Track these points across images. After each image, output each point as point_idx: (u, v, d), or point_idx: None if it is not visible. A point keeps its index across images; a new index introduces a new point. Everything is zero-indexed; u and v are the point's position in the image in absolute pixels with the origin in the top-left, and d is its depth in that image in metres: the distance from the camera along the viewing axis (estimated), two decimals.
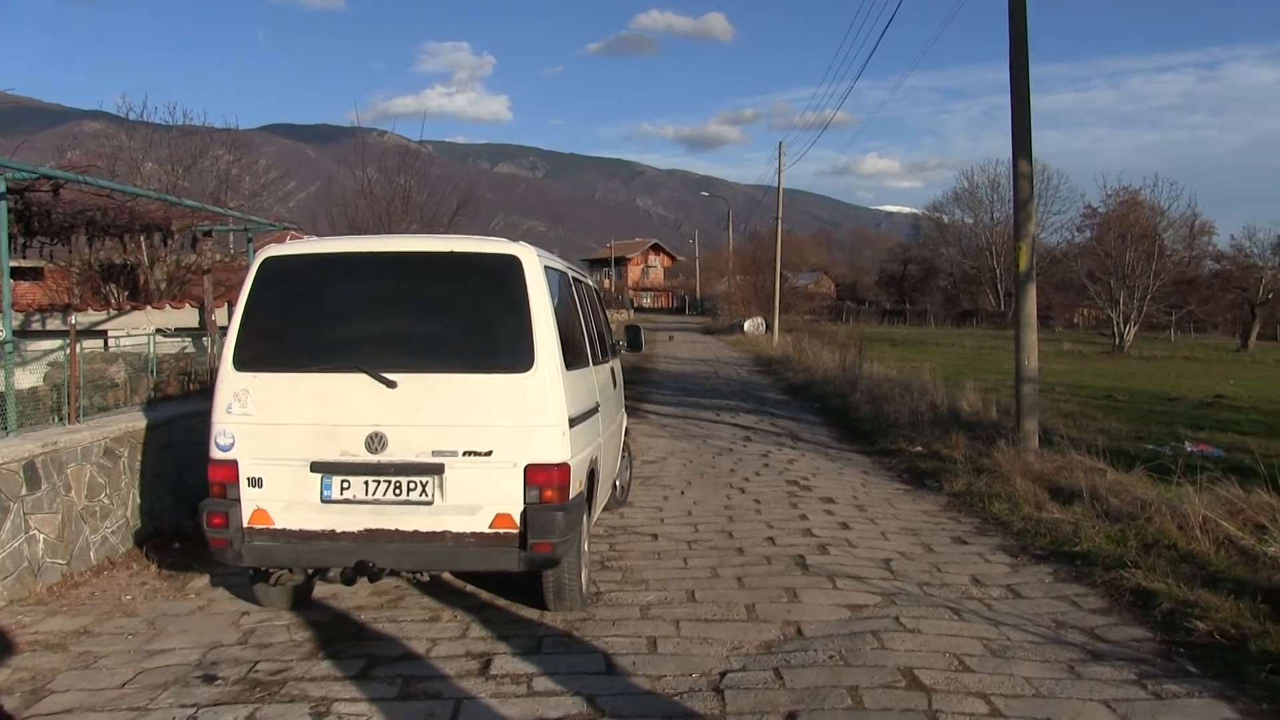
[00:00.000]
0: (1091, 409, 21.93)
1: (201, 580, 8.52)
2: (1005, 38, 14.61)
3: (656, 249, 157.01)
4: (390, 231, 30.70)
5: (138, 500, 9.47)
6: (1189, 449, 15.49)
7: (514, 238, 7.69)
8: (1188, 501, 9.63)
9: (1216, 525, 9.13)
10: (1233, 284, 75.92)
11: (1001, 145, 14.21)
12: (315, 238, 8.19)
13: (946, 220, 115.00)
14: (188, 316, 19.49)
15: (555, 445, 6.92)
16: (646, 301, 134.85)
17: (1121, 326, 63.21)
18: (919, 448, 15.72)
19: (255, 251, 8.09)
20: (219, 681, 6.23)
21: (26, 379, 11.56)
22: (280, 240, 9.92)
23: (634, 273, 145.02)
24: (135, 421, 9.63)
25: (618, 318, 62.89)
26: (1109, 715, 5.70)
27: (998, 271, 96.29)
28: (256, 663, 6.56)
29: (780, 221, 59.24)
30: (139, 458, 9.52)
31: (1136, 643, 6.97)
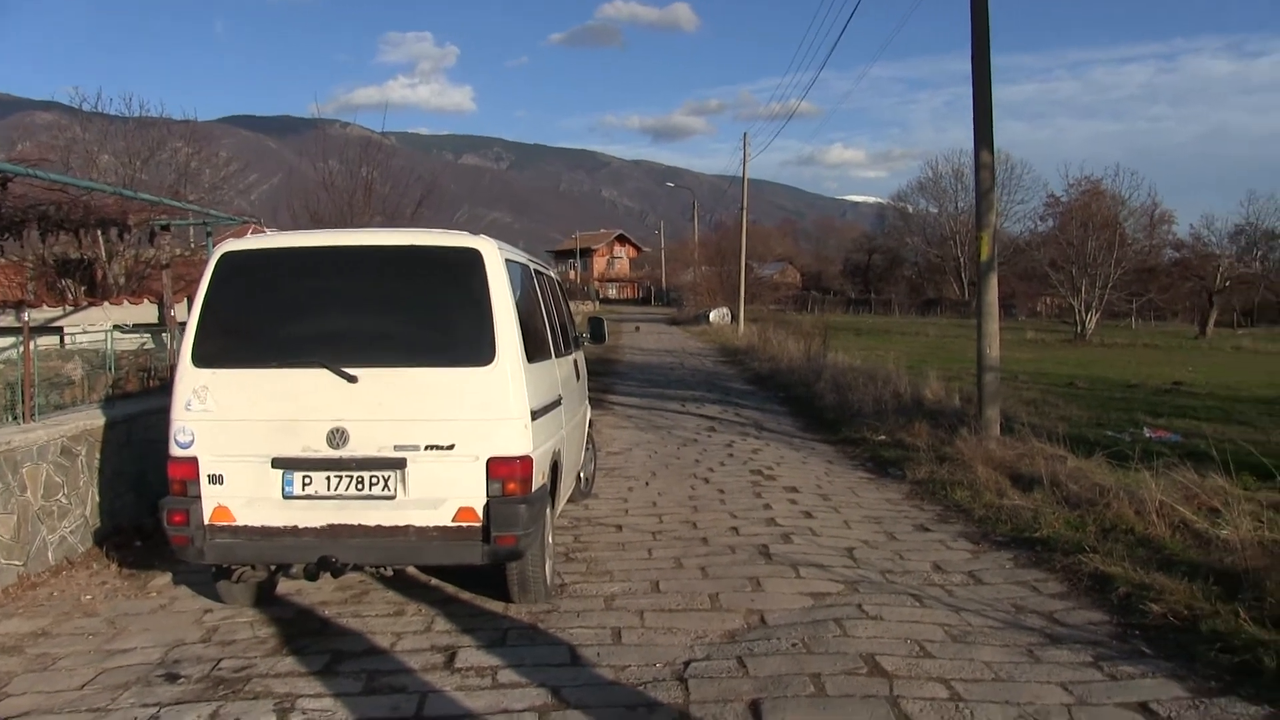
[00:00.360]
0: (1053, 396, 22.11)
1: (163, 578, 8.47)
2: (968, 28, 14.67)
3: (622, 240, 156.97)
4: (353, 224, 30.60)
5: (97, 499, 9.39)
6: (1148, 435, 15.62)
7: (479, 229, 7.70)
8: (1145, 487, 9.75)
9: (1172, 510, 9.25)
10: (1192, 272, 76.75)
11: (966, 135, 14.52)
12: (276, 231, 8.14)
13: (911, 210, 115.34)
14: (147, 312, 19.40)
15: (517, 438, 6.92)
16: (612, 292, 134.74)
17: (1083, 315, 63.70)
18: (883, 436, 15.80)
19: (214, 246, 8.04)
20: (181, 680, 6.20)
21: None
22: (241, 234, 9.88)
23: (599, 264, 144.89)
24: (93, 419, 9.55)
25: (583, 309, 62.94)
26: (1065, 697, 5.77)
27: (962, 261, 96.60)
28: (220, 660, 6.54)
29: (745, 212, 59.26)
30: (98, 456, 9.44)
31: (1093, 626, 7.06)
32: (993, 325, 14.67)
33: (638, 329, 59.86)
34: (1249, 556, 7.69)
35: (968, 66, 14.67)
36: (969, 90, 14.71)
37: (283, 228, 25.11)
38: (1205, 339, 64.17)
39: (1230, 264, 76.51)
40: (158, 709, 5.74)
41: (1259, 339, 62.89)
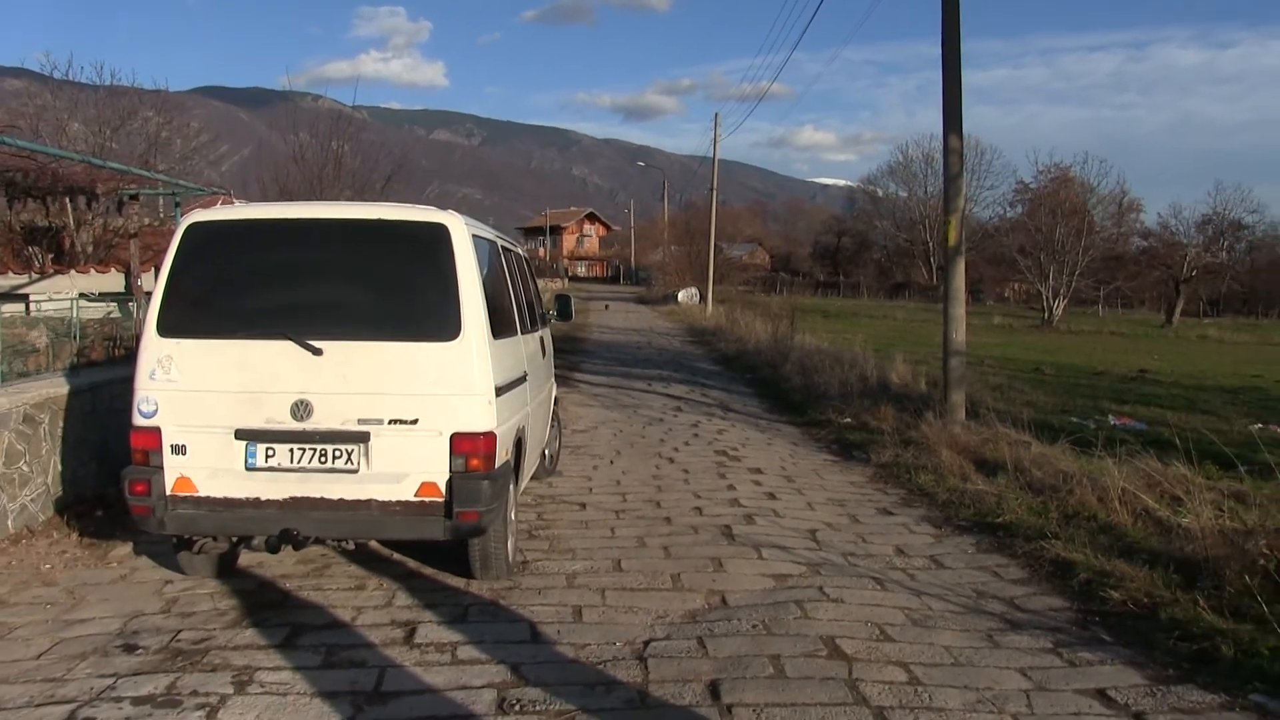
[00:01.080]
0: (1019, 382, 22.21)
1: (124, 548, 8.42)
2: (939, 13, 14.67)
3: (592, 218, 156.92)
4: (322, 197, 30.48)
5: (59, 468, 9.31)
6: (1112, 423, 15.71)
7: (449, 205, 7.66)
8: (1108, 474, 9.79)
9: (1135, 497, 9.30)
10: (1159, 261, 77.61)
11: (936, 119, 14.60)
12: (245, 203, 8.10)
13: (881, 193, 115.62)
14: (114, 281, 19.26)
15: (481, 414, 6.91)
16: (581, 271, 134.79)
17: (1051, 301, 64.34)
18: (848, 419, 15.83)
19: (183, 216, 8.01)
20: (140, 651, 6.16)
21: None
22: (210, 205, 9.81)
23: (569, 242, 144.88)
24: (57, 387, 9.48)
25: (552, 286, 62.94)
26: (1024, 682, 5.80)
27: (930, 245, 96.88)
28: (179, 632, 6.50)
29: (715, 192, 59.27)
30: (61, 424, 9.35)
31: (1054, 612, 7.10)
32: (959, 310, 14.72)
33: (607, 307, 59.94)
34: (1209, 545, 7.72)
35: (939, 51, 14.68)
36: (940, 75, 14.72)
37: (252, 200, 24.97)
38: (1172, 327, 64.86)
39: (1197, 253, 77.41)
40: (115, 679, 5.70)
41: (1225, 328, 63.72)
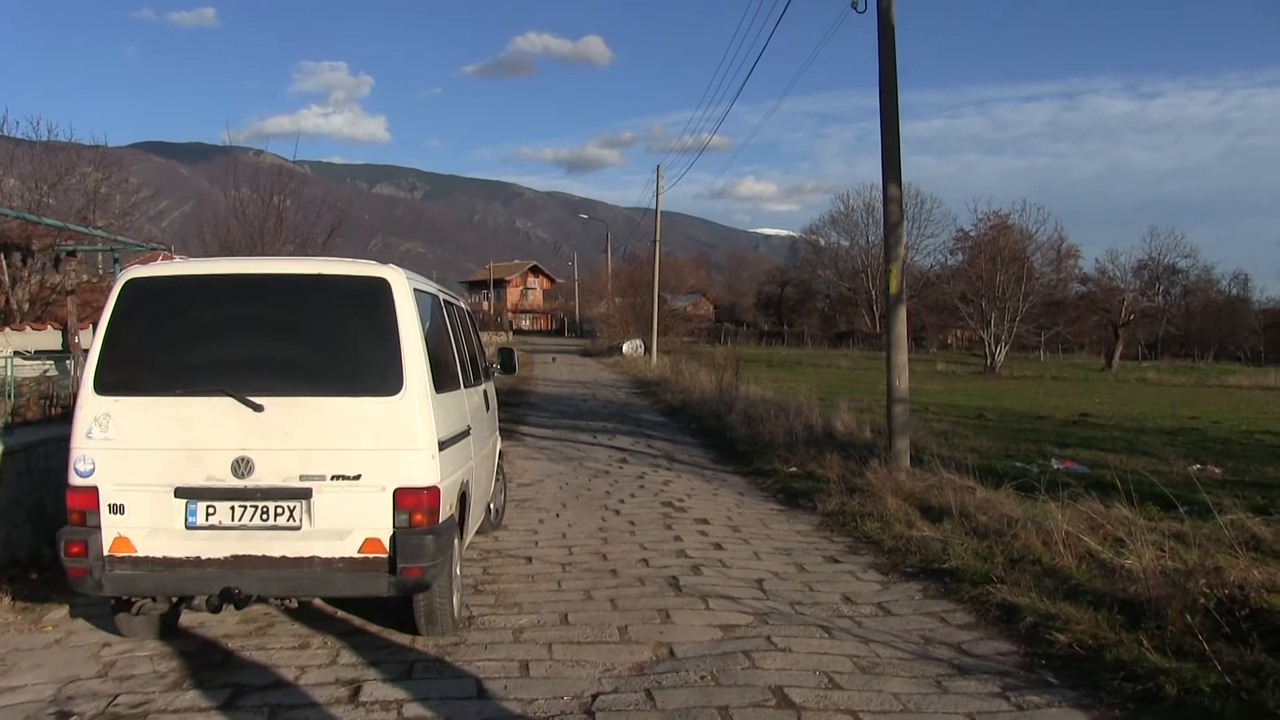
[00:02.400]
0: (963, 428, 22.36)
1: (60, 611, 8.25)
2: (876, 66, 14.82)
3: (536, 271, 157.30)
4: (264, 252, 30.31)
5: None
6: (1056, 466, 15.79)
7: (393, 259, 7.65)
8: (1052, 518, 9.87)
9: (1078, 540, 9.38)
10: (1098, 305, 78.79)
11: (876, 169, 14.70)
12: (186, 258, 8.03)
13: (823, 243, 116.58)
14: (51, 338, 19.00)
15: (425, 468, 6.86)
16: (526, 324, 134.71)
17: (993, 347, 64.87)
18: (794, 468, 15.86)
19: (122, 272, 7.93)
20: (74, 717, 6.03)
21: None
22: (150, 261, 9.71)
23: (513, 295, 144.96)
24: None
25: (496, 340, 62.76)
26: None
27: (873, 293, 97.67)
28: (117, 696, 6.37)
29: (658, 244, 59.37)
30: None
31: (1001, 656, 7.12)
32: (902, 357, 14.78)
33: (553, 360, 59.89)
34: (1152, 585, 7.81)
35: (877, 102, 14.84)
36: (878, 125, 14.87)
37: (193, 255, 24.77)
38: (1111, 371, 65.77)
39: (1135, 298, 78.81)
40: None
41: (1162, 371, 64.71)
